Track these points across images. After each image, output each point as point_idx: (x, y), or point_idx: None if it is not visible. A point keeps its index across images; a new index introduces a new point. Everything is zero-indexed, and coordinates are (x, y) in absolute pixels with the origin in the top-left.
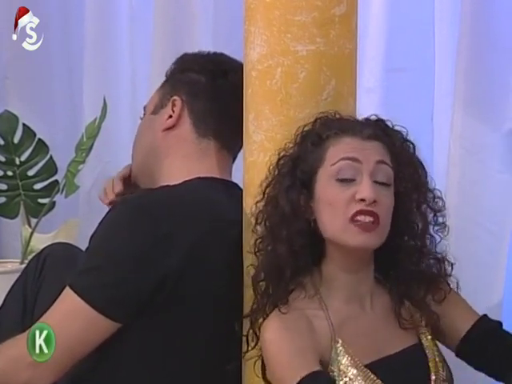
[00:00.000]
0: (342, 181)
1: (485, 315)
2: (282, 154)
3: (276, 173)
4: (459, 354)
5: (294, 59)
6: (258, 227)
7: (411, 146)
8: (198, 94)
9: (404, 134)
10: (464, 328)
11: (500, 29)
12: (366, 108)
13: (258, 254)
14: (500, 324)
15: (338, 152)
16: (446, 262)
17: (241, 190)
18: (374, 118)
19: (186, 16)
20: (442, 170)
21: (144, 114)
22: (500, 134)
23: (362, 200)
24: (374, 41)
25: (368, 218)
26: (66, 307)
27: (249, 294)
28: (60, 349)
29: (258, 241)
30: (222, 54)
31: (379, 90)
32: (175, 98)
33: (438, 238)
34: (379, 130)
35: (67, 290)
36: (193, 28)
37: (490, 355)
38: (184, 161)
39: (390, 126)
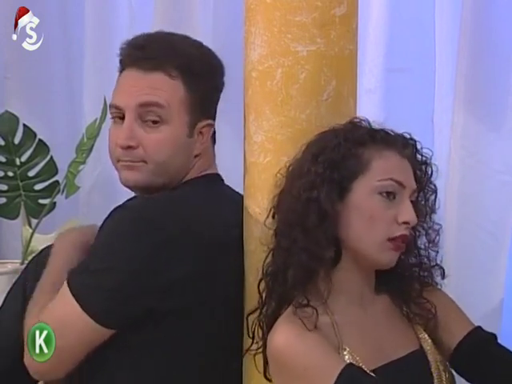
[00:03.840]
0: (386, 196)
1: (479, 326)
2: (317, 152)
3: (307, 169)
4: (451, 364)
5: (295, 60)
6: (274, 221)
7: (430, 170)
8: (215, 110)
9: (429, 157)
10: (457, 337)
11: (500, 29)
12: (366, 108)
13: (275, 250)
14: (494, 336)
15: (386, 169)
16: (439, 268)
17: (222, 180)
18: (407, 135)
19: (185, 16)
20: (443, 171)
21: (155, 120)
22: (500, 134)
23: (405, 223)
24: (374, 41)
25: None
26: (62, 309)
27: (249, 294)
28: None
29: (277, 236)
30: (206, 49)
31: (379, 90)
32: (210, 122)
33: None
34: (412, 151)
35: (65, 291)
36: (193, 29)
37: (481, 368)
38: (199, 173)
39: (419, 147)
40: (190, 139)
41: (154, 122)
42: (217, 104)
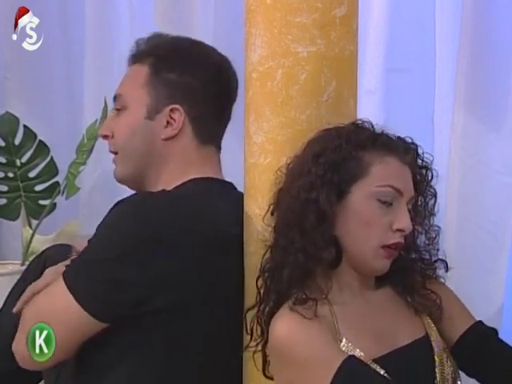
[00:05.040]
0: (383, 203)
1: (480, 321)
2: (318, 153)
3: (308, 169)
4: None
5: (295, 61)
6: (272, 218)
7: (430, 174)
8: (197, 100)
9: (429, 162)
10: (459, 331)
11: (500, 30)
12: (366, 109)
13: (273, 248)
14: (495, 331)
15: (385, 175)
16: (441, 262)
17: (236, 189)
18: (409, 140)
19: (185, 16)
20: (443, 171)
21: (119, 108)
22: (500, 134)
23: (400, 230)
24: (374, 42)
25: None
26: (54, 297)
27: (248, 295)
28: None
29: (276, 234)
30: (200, 44)
31: (379, 90)
32: (176, 106)
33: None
34: (413, 156)
35: (60, 279)
36: (193, 29)
37: (481, 362)
38: (185, 167)
39: (421, 152)
40: (151, 122)
41: (119, 110)
42: (200, 96)
